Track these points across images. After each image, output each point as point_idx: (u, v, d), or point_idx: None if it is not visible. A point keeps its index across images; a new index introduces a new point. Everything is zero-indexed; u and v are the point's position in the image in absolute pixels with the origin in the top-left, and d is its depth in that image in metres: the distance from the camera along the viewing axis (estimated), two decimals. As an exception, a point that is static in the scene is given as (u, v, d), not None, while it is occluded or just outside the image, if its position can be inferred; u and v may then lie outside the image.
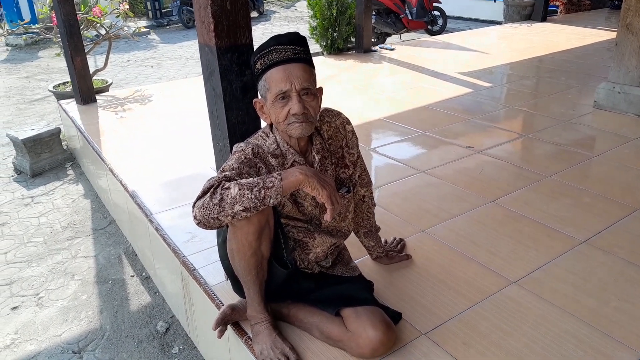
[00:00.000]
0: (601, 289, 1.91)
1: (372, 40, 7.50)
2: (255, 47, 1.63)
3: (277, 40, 1.52)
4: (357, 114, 3.85)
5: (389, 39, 8.72)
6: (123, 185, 2.92)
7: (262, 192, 1.37)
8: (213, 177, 1.42)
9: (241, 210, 1.36)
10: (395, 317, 1.70)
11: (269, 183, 1.38)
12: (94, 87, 4.60)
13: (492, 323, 1.74)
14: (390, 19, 8.48)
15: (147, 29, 10.98)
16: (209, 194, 1.36)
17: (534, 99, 4.21)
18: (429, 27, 9.14)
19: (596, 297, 1.86)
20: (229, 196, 1.35)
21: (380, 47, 6.44)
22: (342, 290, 1.67)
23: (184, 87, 5.12)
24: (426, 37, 8.23)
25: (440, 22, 9.30)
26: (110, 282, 2.80)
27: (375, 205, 1.97)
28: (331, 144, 1.72)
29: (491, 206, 2.51)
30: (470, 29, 8.90)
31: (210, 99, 1.80)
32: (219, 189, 1.37)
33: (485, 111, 3.97)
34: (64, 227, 3.37)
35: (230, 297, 1.86)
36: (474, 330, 1.71)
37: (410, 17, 8.68)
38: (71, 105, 4.44)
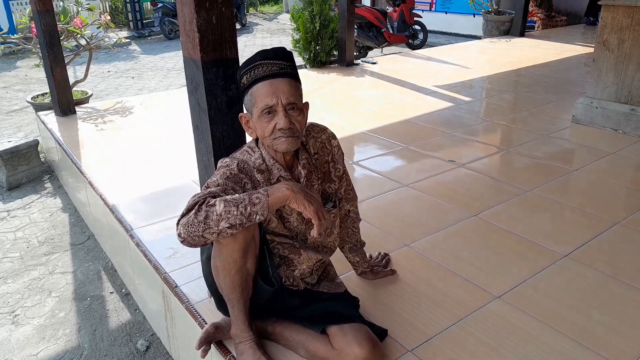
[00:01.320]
0: (583, 303, 1.93)
1: (354, 53, 7.57)
2: (240, 61, 1.62)
3: (263, 55, 1.52)
4: (339, 127, 3.86)
5: (370, 53, 8.81)
6: (103, 199, 2.87)
7: (248, 208, 1.35)
8: (197, 194, 1.40)
9: (227, 227, 1.34)
10: (381, 333, 1.69)
11: (255, 199, 1.37)
12: (74, 98, 4.53)
13: (477, 339, 1.74)
14: (372, 32, 8.57)
15: (128, 40, 10.92)
16: (193, 211, 1.34)
17: (513, 113, 4.28)
18: (410, 41, 9.26)
19: (579, 311, 1.88)
20: (214, 213, 1.33)
21: (362, 61, 6.50)
22: (328, 307, 1.66)
23: (166, 99, 5.08)
24: (407, 51, 8.33)
25: (421, 36, 9.43)
26: (88, 298, 2.73)
27: (360, 220, 1.97)
28: (317, 158, 1.71)
29: (474, 220, 2.53)
30: (450, 43, 9.04)
31: (195, 112, 1.79)
32: (203, 206, 1.34)
33: (465, 125, 4.02)
34: (41, 242, 3.29)
35: (213, 316, 1.82)
36: (460, 347, 1.70)
37: (391, 31, 8.79)
38: (50, 117, 4.37)
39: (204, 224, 1.33)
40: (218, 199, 1.36)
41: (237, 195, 1.38)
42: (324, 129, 1.75)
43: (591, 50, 6.89)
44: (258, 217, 1.37)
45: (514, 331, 1.78)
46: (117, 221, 2.62)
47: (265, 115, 1.50)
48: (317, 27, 5.94)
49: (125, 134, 3.96)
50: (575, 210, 2.61)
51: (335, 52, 6.29)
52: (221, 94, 1.71)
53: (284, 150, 1.54)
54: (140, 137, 3.88)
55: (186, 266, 2.17)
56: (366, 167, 3.24)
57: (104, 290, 2.81)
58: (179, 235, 1.35)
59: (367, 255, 2.07)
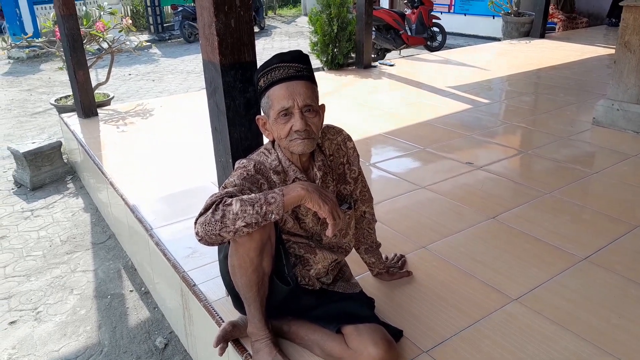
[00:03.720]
0: (602, 306, 1.90)
1: (372, 56, 7.57)
2: (258, 64, 1.65)
3: (280, 58, 1.54)
4: (357, 129, 3.87)
5: (388, 55, 8.79)
6: (123, 199, 2.92)
7: (264, 207, 1.38)
8: (215, 194, 1.43)
9: (243, 226, 1.36)
10: (396, 334, 1.70)
11: (271, 199, 1.39)
12: (96, 100, 4.62)
13: (493, 341, 1.74)
14: (390, 35, 8.56)
15: (149, 43, 11.08)
16: (210, 210, 1.37)
17: (533, 115, 4.24)
18: (428, 43, 9.22)
19: (597, 314, 1.86)
20: (231, 212, 1.36)
21: (380, 63, 6.50)
22: (343, 307, 1.67)
23: (185, 102, 5.14)
24: (425, 53, 8.30)
25: (439, 38, 9.38)
26: (109, 296, 2.79)
27: (376, 221, 1.98)
28: (332, 160, 1.73)
29: (492, 222, 2.51)
30: (469, 45, 8.98)
31: (214, 114, 1.82)
32: (220, 205, 1.37)
33: (484, 127, 4.00)
34: (64, 240, 3.37)
35: (230, 314, 1.85)
36: (475, 348, 1.70)
37: (409, 33, 8.76)
38: (73, 119, 4.47)
39: (221, 223, 1.35)
40: (235, 198, 1.38)
41: (253, 195, 1.40)
42: (339, 131, 1.77)
43: (613, 51, 6.80)
44: (273, 216, 1.39)
45: (531, 334, 1.77)
46: (137, 221, 2.68)
47: (281, 117, 1.52)
48: (335, 30, 5.96)
49: (145, 135, 4.03)
50: (594, 214, 2.58)
51: (353, 55, 6.30)
52: (239, 96, 1.74)
53: (300, 152, 1.56)
54: (160, 138, 3.95)
55: (204, 265, 2.21)
56: (383, 168, 3.24)
57: (124, 288, 2.86)
58: (197, 233, 1.37)
59: (383, 256, 2.08)
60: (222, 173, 1.91)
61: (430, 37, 9.24)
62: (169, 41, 12.13)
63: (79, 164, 4.22)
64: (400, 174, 3.13)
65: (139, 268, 2.95)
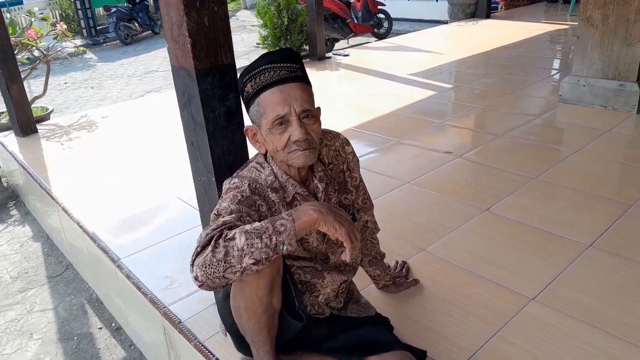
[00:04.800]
0: (620, 295, 1.81)
1: (323, 46, 7.37)
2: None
3: (268, 59, 1.32)
4: (324, 124, 3.66)
5: (337, 44, 8.64)
6: (80, 226, 2.61)
7: (274, 238, 1.16)
8: (210, 226, 1.20)
9: (252, 264, 1.14)
10: (420, 356, 1.53)
11: (280, 227, 1.17)
12: (34, 115, 4.19)
13: (521, 348, 1.60)
14: (337, 24, 8.40)
15: (83, 48, 10.40)
16: (210, 248, 1.13)
17: (499, 97, 4.18)
18: (375, 30, 9.13)
19: (618, 305, 1.76)
20: (235, 248, 1.13)
21: (334, 54, 6.31)
22: (362, 335, 1.48)
23: (132, 109, 4.78)
24: (374, 41, 8.19)
25: (385, 24, 9.31)
26: (75, 337, 2.48)
27: (379, 230, 1.79)
28: (332, 168, 1.53)
29: (486, 215, 2.39)
30: (415, 30, 8.95)
31: (189, 128, 1.57)
32: (221, 241, 1.14)
33: (453, 113, 3.90)
34: (14, 277, 3.00)
35: (227, 352, 1.63)
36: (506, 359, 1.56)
37: (356, 21, 8.64)
38: (10, 138, 4.03)
39: (225, 263, 1.12)
40: (237, 230, 1.16)
41: (257, 224, 1.18)
42: (336, 135, 1.57)
43: (558, 27, 6.93)
44: (285, 247, 1.17)
45: (555, 335, 1.65)
46: (101, 251, 2.38)
47: (276, 126, 1.31)
48: (285, 22, 5.73)
49: (94, 150, 3.67)
50: (587, 196, 2.51)
51: (306, 47, 6.09)
52: (219, 106, 1.50)
53: (301, 165, 1.35)
54: (111, 152, 3.60)
55: (187, 297, 1.96)
56: (362, 166, 3.05)
57: (92, 326, 2.55)
58: (196, 278, 1.14)
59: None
60: (204, 194, 1.67)
61: (377, 24, 9.16)
62: (104, 45, 11.47)
63: (22, 186, 3.80)
64: (381, 170, 2.97)
65: (106, 301, 2.65)
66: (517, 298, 1.83)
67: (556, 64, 5.08)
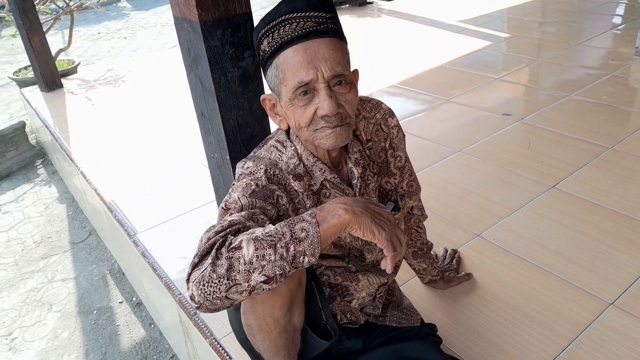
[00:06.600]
0: None
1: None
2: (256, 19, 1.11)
3: (290, 6, 1.00)
4: (364, 82, 3.30)
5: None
6: (98, 194, 2.42)
7: (291, 248, 0.88)
8: (214, 226, 0.93)
9: (262, 282, 0.87)
10: (474, 377, 1.26)
11: (300, 232, 0.89)
12: (59, 69, 4.01)
13: (598, 369, 1.31)
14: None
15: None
16: (209, 260, 0.87)
17: (563, 49, 3.68)
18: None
19: None
20: (241, 261, 0.86)
21: (376, -1, 5.81)
22: (403, 351, 1.22)
23: (162, 61, 4.52)
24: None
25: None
26: (95, 311, 2.34)
27: (426, 217, 1.48)
28: (371, 147, 1.22)
29: (553, 193, 2.04)
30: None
31: (198, 95, 1.29)
32: (224, 250, 0.87)
33: (510, 67, 3.45)
34: (37, 242, 2.88)
35: (247, 356, 1.40)
36: (581, 386, 1.27)
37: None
38: (35, 93, 3.87)
39: (228, 280, 0.86)
40: (244, 236, 0.88)
41: (271, 227, 0.90)
42: (377, 105, 1.25)
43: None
44: (307, 259, 0.89)
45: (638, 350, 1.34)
46: (117, 223, 2.18)
47: (300, 97, 1.00)
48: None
49: (119, 109, 3.46)
50: (676, 171, 2.11)
51: (346, -8, 5.61)
52: (232, 67, 1.20)
53: (331, 147, 1.05)
54: (136, 112, 3.38)
55: (205, 282, 1.74)
56: (406, 130, 2.71)
57: (112, 299, 2.41)
58: (192, 298, 0.88)
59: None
60: (218, 172, 1.40)
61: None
62: (139, -8, 11.14)
63: (49, 144, 3.66)
64: (428, 135, 2.62)
65: (128, 272, 2.48)
66: (593, 303, 1.51)
67: (630, 10, 4.45)
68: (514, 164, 2.26)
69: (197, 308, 0.89)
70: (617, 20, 4.28)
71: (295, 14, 1.00)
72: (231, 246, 0.87)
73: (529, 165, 2.24)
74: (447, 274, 1.62)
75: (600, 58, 3.43)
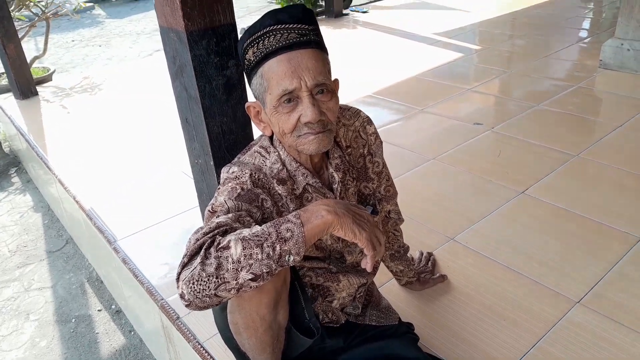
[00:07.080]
0: (681, 301, 1.57)
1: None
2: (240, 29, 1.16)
3: (274, 18, 1.05)
4: (339, 92, 3.38)
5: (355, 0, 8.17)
6: (77, 201, 2.41)
7: (277, 247, 0.93)
8: (202, 228, 0.97)
9: (250, 280, 0.91)
10: (449, 372, 1.32)
11: (285, 232, 0.94)
12: (35, 76, 3.97)
13: (565, 363, 1.38)
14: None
15: (91, 4, 10.05)
16: (199, 260, 0.91)
17: (532, 61, 3.83)
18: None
19: (679, 313, 1.53)
20: (230, 260, 0.90)
21: (352, 10, 5.92)
22: (382, 349, 1.27)
23: (138, 69, 4.52)
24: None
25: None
26: (73, 320, 2.33)
27: (403, 220, 1.55)
28: (350, 153, 1.28)
29: (523, 199, 2.13)
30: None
31: (182, 102, 1.33)
32: (212, 250, 0.91)
33: (482, 78, 3.58)
34: (13, 251, 2.84)
35: (230, 357, 1.43)
36: (549, 379, 1.34)
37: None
38: (9, 101, 3.83)
39: (217, 278, 0.90)
40: (232, 236, 0.93)
41: (257, 228, 0.95)
42: (356, 113, 1.32)
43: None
44: (292, 258, 0.94)
45: (605, 347, 1.42)
46: (97, 230, 2.19)
47: (284, 104, 1.06)
48: (301, -24, 5.34)
49: (95, 117, 3.45)
50: (636, 178, 2.23)
51: (322, 2, 5.71)
52: (217, 76, 1.25)
53: (314, 152, 1.10)
54: (113, 120, 3.38)
55: (187, 287, 1.76)
56: (381, 138, 2.80)
57: (91, 307, 2.40)
58: (182, 296, 0.92)
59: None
60: (202, 178, 1.44)
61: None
62: (113, 0, 11.07)
63: (23, 152, 3.62)
64: (403, 144, 2.70)
65: (107, 280, 2.48)
66: (560, 301, 1.59)
67: (595, 24, 4.66)
68: (485, 171, 2.35)
69: (186, 306, 0.93)
70: (583, 34, 4.48)
71: (279, 26, 1.05)
72: (220, 246, 0.92)
73: (499, 172, 2.33)
74: (423, 275, 1.68)
75: (567, 70, 3.59)
